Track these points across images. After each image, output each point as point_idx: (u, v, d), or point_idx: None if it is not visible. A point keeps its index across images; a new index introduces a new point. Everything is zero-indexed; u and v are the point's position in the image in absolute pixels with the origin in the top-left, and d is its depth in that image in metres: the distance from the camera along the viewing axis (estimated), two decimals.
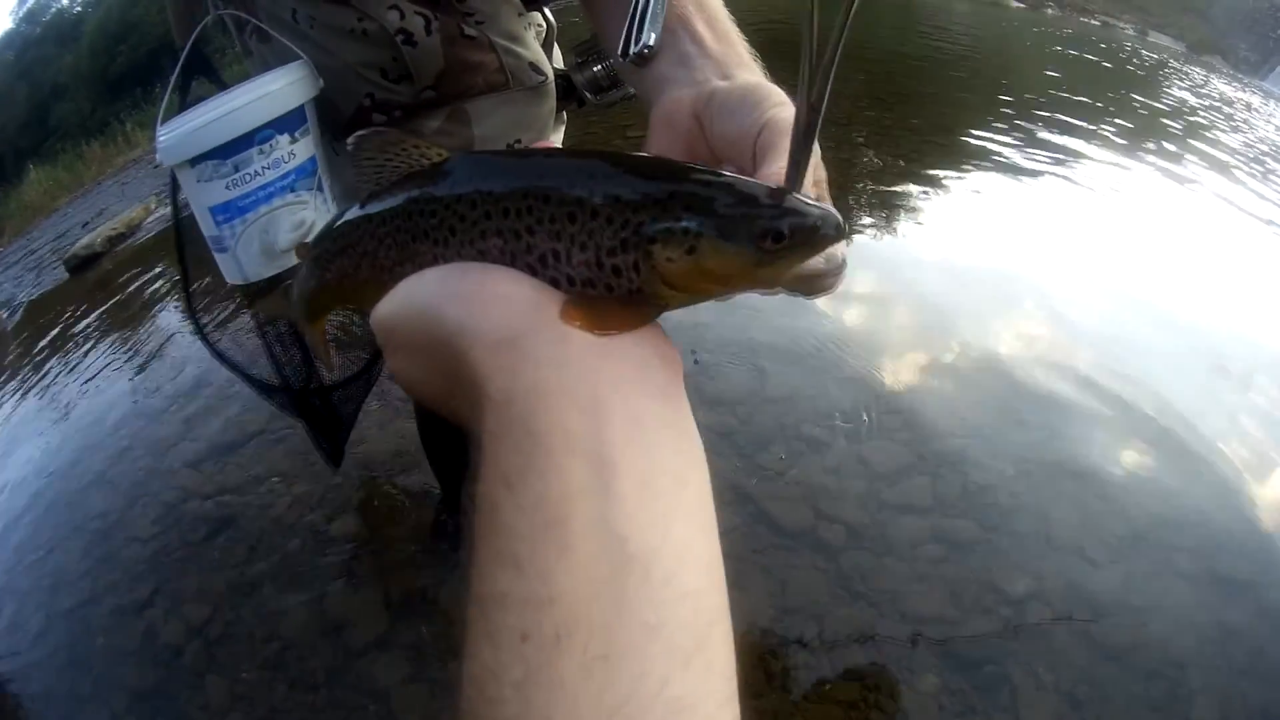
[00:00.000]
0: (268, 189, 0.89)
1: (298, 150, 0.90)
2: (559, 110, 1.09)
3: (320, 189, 0.93)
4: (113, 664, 1.65)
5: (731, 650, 0.30)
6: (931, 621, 1.58)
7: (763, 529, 1.75)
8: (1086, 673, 1.54)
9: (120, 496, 2.07)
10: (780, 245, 0.33)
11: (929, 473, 1.90)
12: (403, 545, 1.76)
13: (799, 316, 2.34)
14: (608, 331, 0.33)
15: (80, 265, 4.08)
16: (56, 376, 2.94)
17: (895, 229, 3.07)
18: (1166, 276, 3.01)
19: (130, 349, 2.84)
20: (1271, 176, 4.55)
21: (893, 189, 3.33)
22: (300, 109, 0.90)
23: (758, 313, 2.35)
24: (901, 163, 3.48)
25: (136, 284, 3.32)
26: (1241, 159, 4.72)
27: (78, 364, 2.94)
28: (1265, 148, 5.93)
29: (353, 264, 0.46)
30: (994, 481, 1.89)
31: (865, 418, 2.06)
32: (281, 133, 0.88)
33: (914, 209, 3.24)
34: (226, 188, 0.88)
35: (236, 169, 0.87)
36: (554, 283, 0.35)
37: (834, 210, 0.35)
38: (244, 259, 0.91)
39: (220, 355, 1.25)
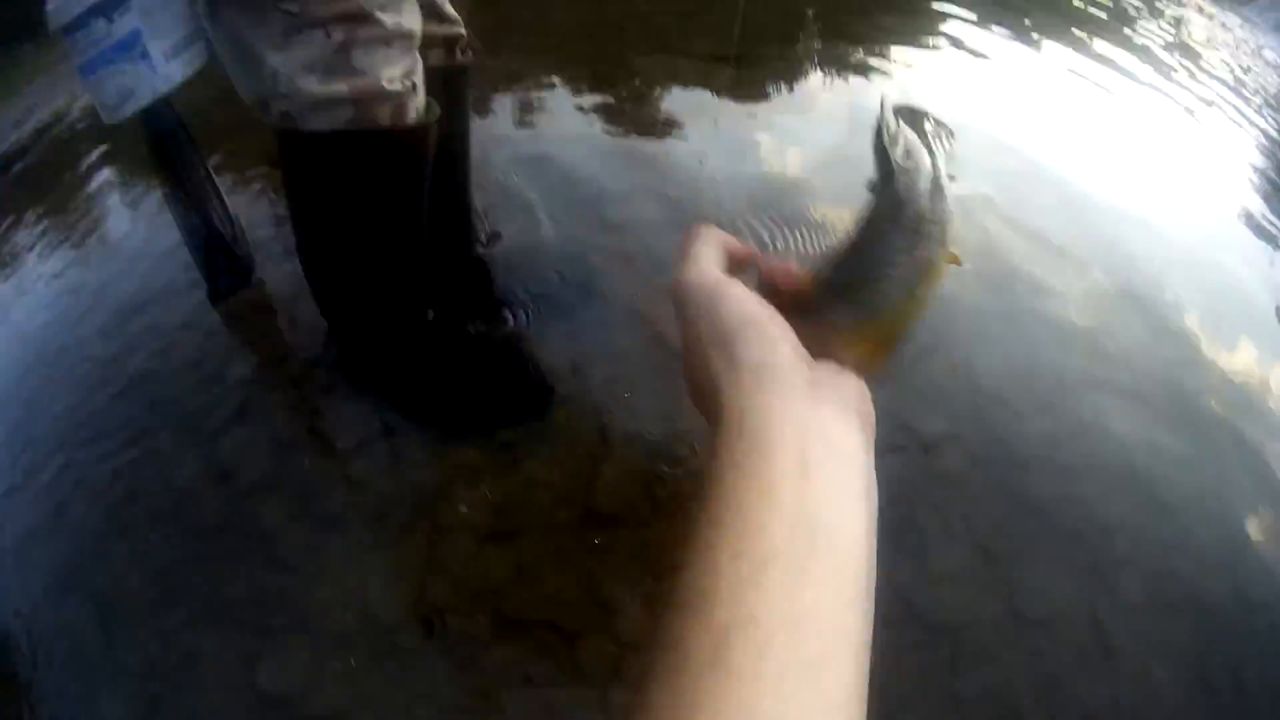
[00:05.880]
0: (93, 61, 1.21)
1: (115, 29, 1.17)
2: None
3: (146, 56, 1.19)
4: (29, 549, 1.61)
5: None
6: None
7: (662, 352, 1.64)
8: (1003, 526, 1.45)
9: (37, 379, 2.03)
10: None
11: None
12: (292, 382, 1.72)
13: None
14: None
15: (7, 164, 3.92)
16: None
17: (849, 99, 2.88)
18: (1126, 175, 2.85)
19: (57, 234, 2.74)
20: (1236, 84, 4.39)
21: (850, 65, 3.14)
22: None
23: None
24: (860, 51, 3.25)
25: (64, 173, 3.18)
26: (1218, 82, 4.51)
27: (4, 259, 2.84)
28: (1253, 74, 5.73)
29: None
30: None
31: (785, 241, 1.95)
32: (98, 18, 1.16)
33: (875, 79, 3.04)
34: (74, 55, 1.23)
35: (75, 44, 1.21)
36: None
37: None
38: (98, 109, 1.28)
39: None
